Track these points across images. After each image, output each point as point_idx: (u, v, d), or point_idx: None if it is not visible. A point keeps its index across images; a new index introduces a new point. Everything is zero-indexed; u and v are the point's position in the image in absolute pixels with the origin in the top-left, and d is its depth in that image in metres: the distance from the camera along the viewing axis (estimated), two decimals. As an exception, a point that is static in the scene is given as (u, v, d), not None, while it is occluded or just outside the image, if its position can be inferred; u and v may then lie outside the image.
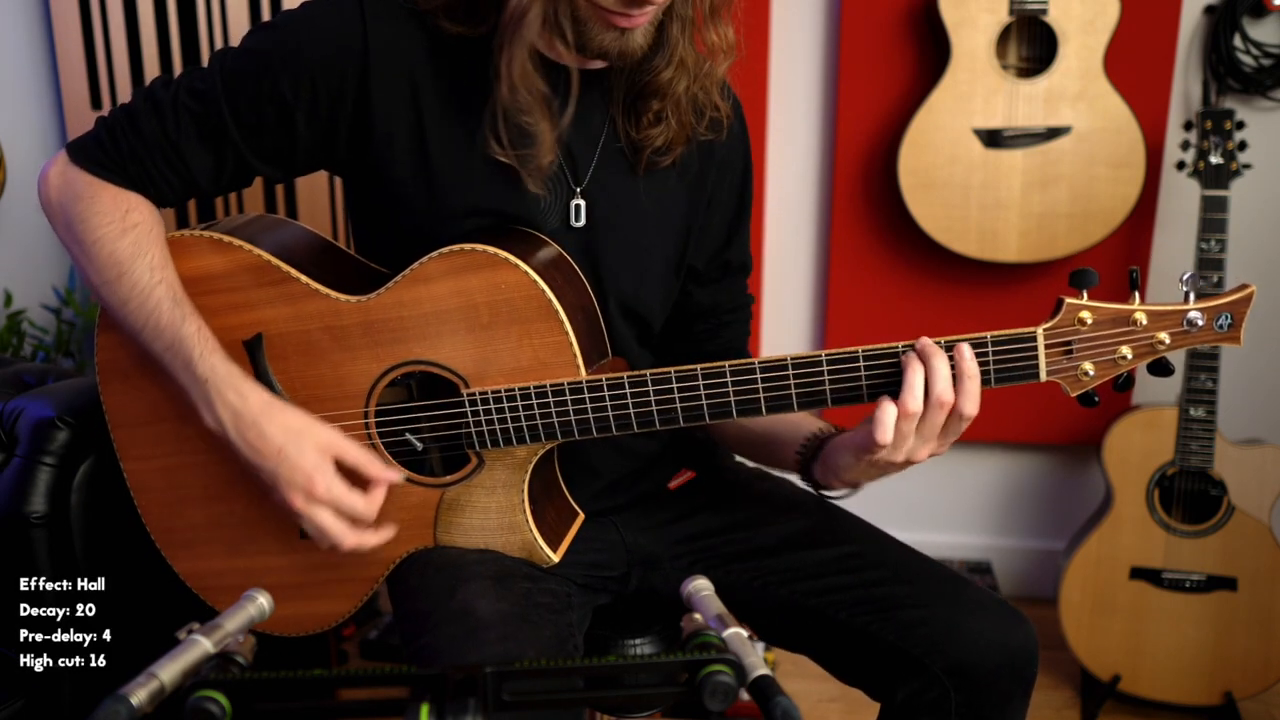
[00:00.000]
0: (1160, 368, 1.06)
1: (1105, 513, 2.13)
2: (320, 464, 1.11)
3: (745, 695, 0.62)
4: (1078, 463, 2.51)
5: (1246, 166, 2.00)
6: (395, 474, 1.16)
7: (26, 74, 2.41)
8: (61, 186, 1.17)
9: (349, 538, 1.14)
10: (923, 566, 1.22)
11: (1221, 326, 1.04)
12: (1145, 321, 1.04)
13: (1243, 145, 1.99)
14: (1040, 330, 1.05)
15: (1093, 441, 2.31)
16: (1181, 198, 2.25)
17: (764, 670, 0.62)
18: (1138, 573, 2.11)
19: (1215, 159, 1.98)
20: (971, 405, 1.05)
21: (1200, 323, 1.04)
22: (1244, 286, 1.05)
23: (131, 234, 1.14)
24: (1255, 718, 2.13)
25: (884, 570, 1.21)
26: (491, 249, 1.10)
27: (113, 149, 1.15)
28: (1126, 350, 1.05)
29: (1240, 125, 2.00)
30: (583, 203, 1.20)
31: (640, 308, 1.27)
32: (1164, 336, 1.04)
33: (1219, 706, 2.12)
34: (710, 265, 1.35)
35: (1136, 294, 1.05)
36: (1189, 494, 2.09)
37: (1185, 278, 1.04)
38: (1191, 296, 1.04)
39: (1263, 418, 2.33)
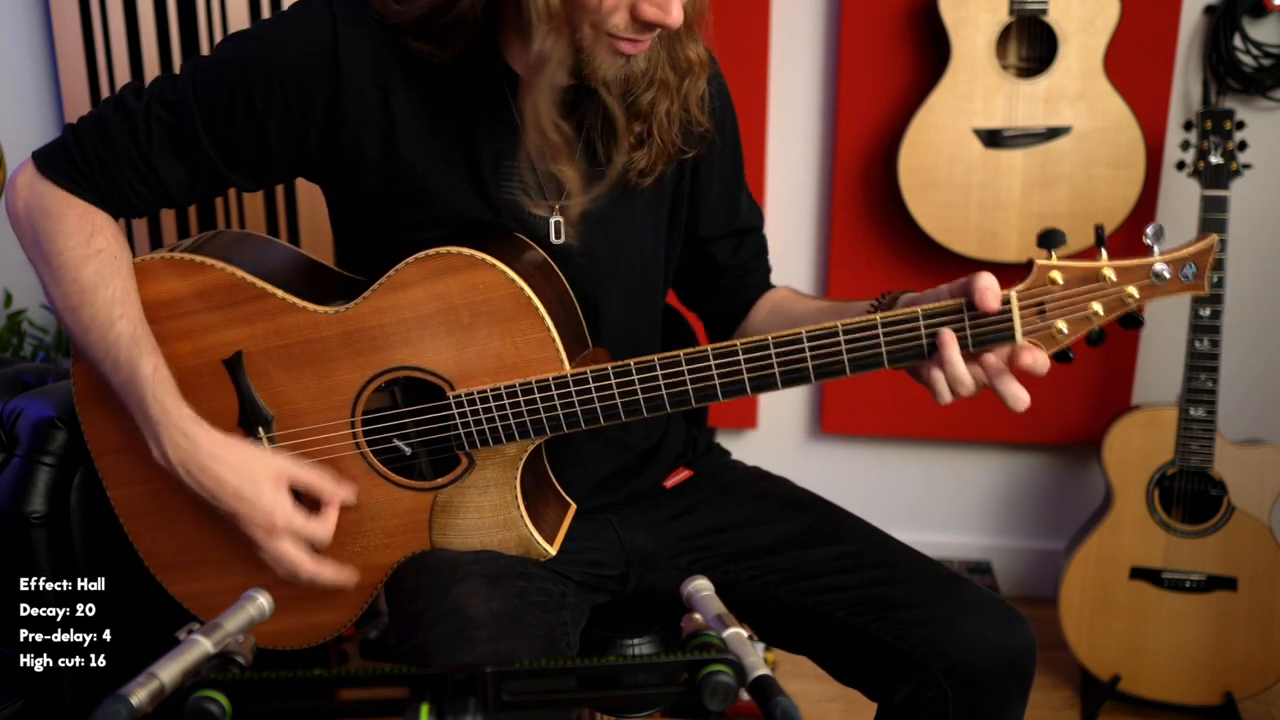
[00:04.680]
0: (1131, 320, 1.08)
1: (1105, 513, 2.13)
2: (276, 497, 1.14)
3: (745, 695, 0.62)
4: (1078, 463, 2.51)
5: (1246, 166, 2.00)
6: (347, 491, 1.18)
7: (26, 74, 2.41)
8: (29, 199, 1.15)
9: (307, 565, 1.16)
10: (921, 566, 1.22)
11: (1187, 277, 1.07)
12: (1114, 277, 1.06)
13: (1243, 145, 1.99)
14: (1014, 292, 1.06)
15: (1093, 441, 2.31)
16: (1181, 198, 2.25)
17: (764, 670, 0.62)
18: (1138, 573, 2.11)
19: (1215, 159, 1.98)
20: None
21: (1166, 274, 1.06)
22: (1205, 236, 1.08)
23: (95, 260, 1.13)
24: (1255, 718, 2.13)
25: (883, 570, 1.21)
26: (467, 250, 1.10)
27: (81, 159, 1.14)
28: (1097, 306, 1.06)
29: (1240, 125, 1.99)
30: (561, 219, 1.20)
31: (635, 306, 1.29)
32: (1133, 290, 1.06)
33: (1219, 706, 2.11)
34: (723, 233, 1.37)
35: (1104, 250, 1.07)
36: (1189, 494, 2.09)
37: (1149, 231, 1.06)
38: (1156, 250, 1.06)
39: (1263, 418, 2.33)
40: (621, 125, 1.18)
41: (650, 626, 1.34)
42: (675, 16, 1.03)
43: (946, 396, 1.08)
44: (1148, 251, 1.06)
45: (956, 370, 1.06)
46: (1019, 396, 1.06)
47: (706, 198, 1.33)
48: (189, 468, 1.14)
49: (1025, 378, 1.07)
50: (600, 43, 1.07)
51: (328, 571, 1.18)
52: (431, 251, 1.11)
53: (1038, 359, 1.06)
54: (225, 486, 1.13)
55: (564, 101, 1.14)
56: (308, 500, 1.18)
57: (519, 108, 1.10)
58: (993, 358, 1.07)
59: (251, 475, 1.14)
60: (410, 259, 1.12)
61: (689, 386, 1.10)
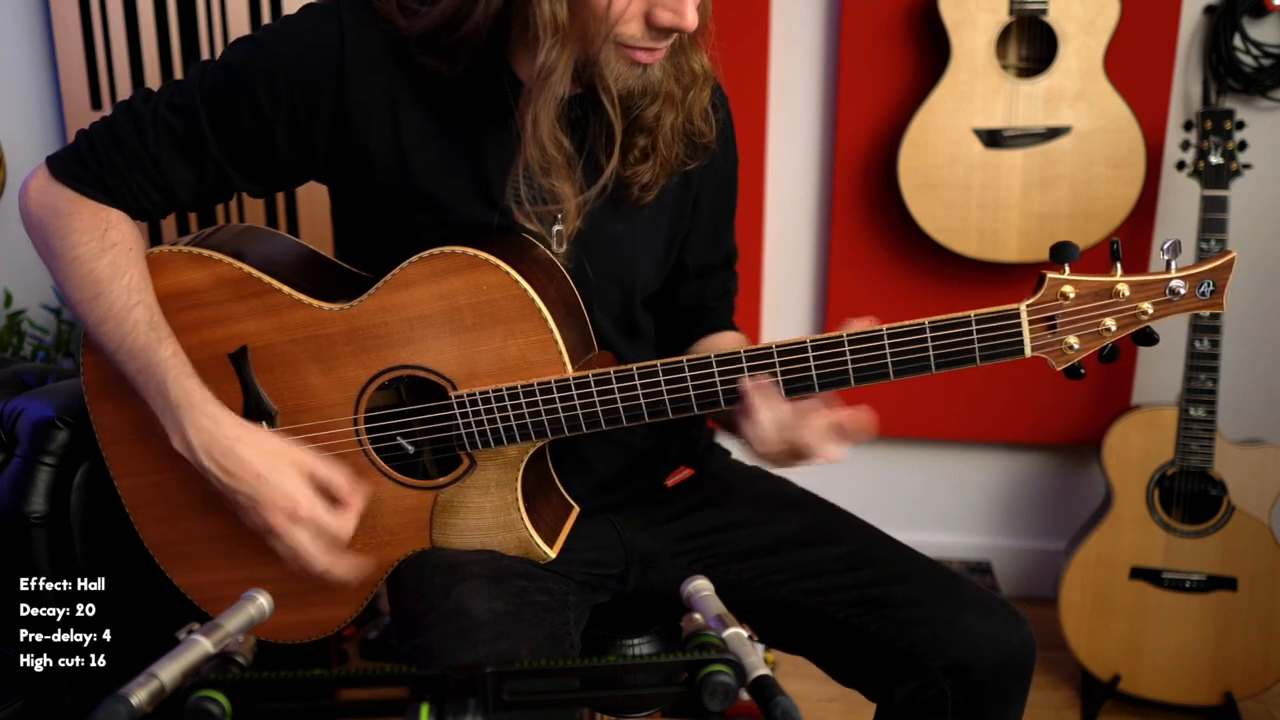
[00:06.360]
0: (1144, 337, 1.06)
1: (1105, 513, 2.13)
2: (301, 485, 1.13)
3: (745, 695, 0.62)
4: (1078, 463, 2.51)
5: (1246, 166, 2.00)
6: (364, 492, 1.17)
7: (26, 74, 2.41)
8: (41, 201, 1.16)
9: (322, 559, 1.15)
10: (920, 565, 1.22)
11: (1204, 294, 1.04)
12: (1128, 293, 1.04)
13: (1243, 145, 1.99)
14: (1023, 306, 1.05)
15: (1093, 441, 2.31)
16: (1181, 198, 2.25)
17: (764, 670, 0.62)
18: (1138, 573, 2.11)
19: (1215, 159, 1.98)
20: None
21: (1183, 291, 1.03)
22: (1225, 252, 1.05)
23: (110, 254, 1.14)
24: (1255, 718, 2.13)
25: (882, 569, 1.21)
26: (472, 251, 1.10)
27: (92, 162, 1.15)
28: (1110, 322, 1.05)
29: (1240, 125, 2.00)
30: (561, 229, 1.20)
31: (624, 319, 1.29)
32: (1147, 306, 1.04)
33: (1219, 706, 2.11)
34: (698, 264, 1.37)
35: (1118, 265, 1.05)
36: (1189, 494, 2.08)
37: (1166, 246, 1.04)
38: (1173, 265, 1.04)
39: (1263, 418, 2.33)
40: (621, 137, 1.17)
41: (650, 626, 1.34)
42: (691, 19, 1.03)
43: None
44: (1163, 265, 1.04)
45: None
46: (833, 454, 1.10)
47: (697, 229, 1.34)
48: (211, 450, 1.12)
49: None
50: (617, 54, 1.07)
51: (341, 567, 1.17)
52: (436, 251, 1.11)
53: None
54: (248, 468, 1.12)
55: (568, 114, 1.14)
56: (325, 497, 1.17)
57: (519, 120, 1.10)
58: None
59: (275, 460, 1.13)
60: (415, 258, 1.12)
61: (691, 393, 1.10)
